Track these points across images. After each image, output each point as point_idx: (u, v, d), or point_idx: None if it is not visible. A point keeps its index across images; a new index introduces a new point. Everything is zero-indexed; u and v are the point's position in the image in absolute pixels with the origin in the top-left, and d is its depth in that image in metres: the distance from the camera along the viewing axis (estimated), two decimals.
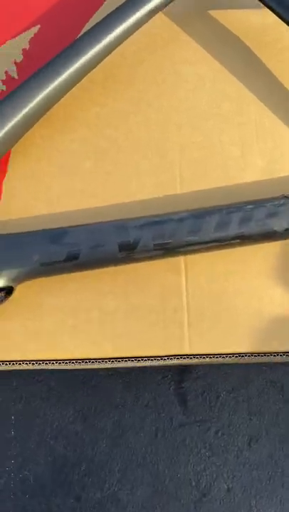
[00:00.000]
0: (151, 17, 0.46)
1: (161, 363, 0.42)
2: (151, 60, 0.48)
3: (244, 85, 0.47)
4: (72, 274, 0.41)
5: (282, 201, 0.40)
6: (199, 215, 0.40)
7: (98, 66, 0.45)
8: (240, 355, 0.41)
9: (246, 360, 0.42)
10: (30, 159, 0.45)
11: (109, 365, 0.42)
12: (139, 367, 0.41)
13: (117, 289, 0.42)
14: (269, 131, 0.46)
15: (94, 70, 0.45)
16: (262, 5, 0.46)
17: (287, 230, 0.40)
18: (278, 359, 0.42)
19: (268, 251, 0.43)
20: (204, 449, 0.67)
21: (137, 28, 0.45)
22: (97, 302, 0.42)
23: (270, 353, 0.41)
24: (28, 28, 0.50)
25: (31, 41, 0.49)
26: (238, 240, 0.40)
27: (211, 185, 0.44)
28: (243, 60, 0.48)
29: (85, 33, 0.44)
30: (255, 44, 0.48)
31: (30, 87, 0.42)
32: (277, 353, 0.41)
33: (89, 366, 0.42)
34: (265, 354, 0.42)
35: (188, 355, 0.41)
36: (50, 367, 0.42)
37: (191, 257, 0.42)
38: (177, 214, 0.40)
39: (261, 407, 0.68)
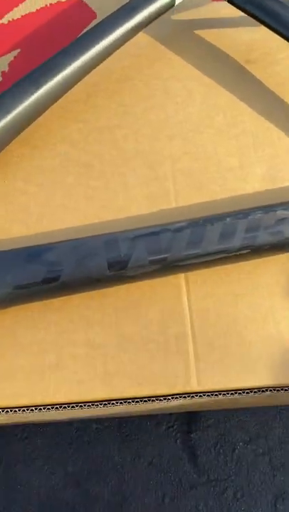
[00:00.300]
0: (133, 35, 0.46)
1: (164, 404, 0.37)
2: (137, 77, 0.49)
3: (237, 98, 0.48)
4: (53, 301, 0.38)
5: None
6: (200, 223, 0.37)
7: (81, 84, 0.44)
8: (260, 389, 0.37)
9: (265, 398, 0.38)
10: (6, 178, 0.44)
11: (100, 410, 0.37)
12: (138, 416, 0.35)
13: (106, 316, 0.39)
14: (266, 140, 0.46)
15: (76, 88, 0.44)
16: (248, 21, 0.47)
17: None
18: None
19: (281, 265, 0.40)
20: None
21: (120, 46, 0.45)
22: (84, 334, 0.38)
23: None
24: (8, 51, 0.51)
25: (10, 64, 0.50)
26: (245, 251, 0.37)
27: (211, 197, 0.43)
28: (232, 76, 0.49)
29: (65, 48, 0.44)
30: (244, 60, 0.50)
31: (3, 102, 0.41)
32: None
33: (76, 413, 0.37)
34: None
35: (196, 393, 0.37)
36: (29, 417, 0.37)
37: (194, 275, 0.40)
38: (174, 224, 0.37)
39: (285, 460, 0.62)
